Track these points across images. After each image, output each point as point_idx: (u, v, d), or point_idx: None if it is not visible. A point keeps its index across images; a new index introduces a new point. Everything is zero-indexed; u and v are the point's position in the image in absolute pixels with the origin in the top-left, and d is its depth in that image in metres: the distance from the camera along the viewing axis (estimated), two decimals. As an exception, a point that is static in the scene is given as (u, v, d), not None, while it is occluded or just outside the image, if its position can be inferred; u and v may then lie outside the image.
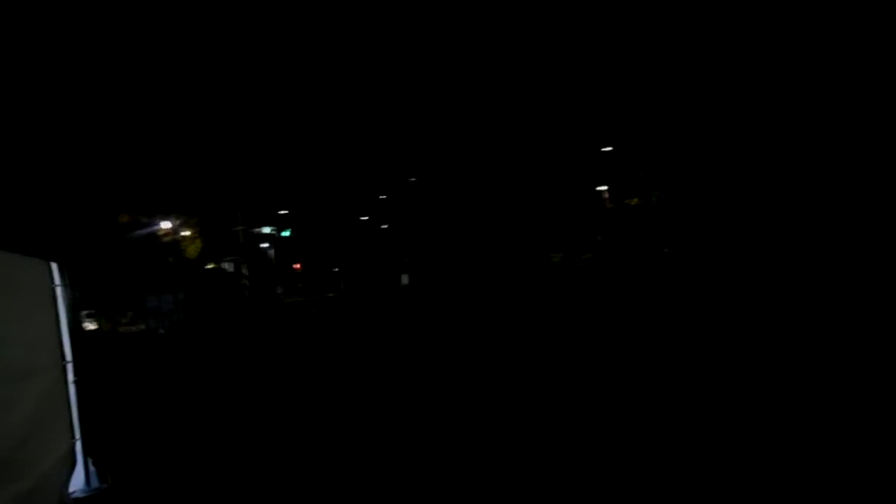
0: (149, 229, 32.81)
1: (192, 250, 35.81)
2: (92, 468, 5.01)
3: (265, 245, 43.15)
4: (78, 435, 4.97)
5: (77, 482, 4.98)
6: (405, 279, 46.69)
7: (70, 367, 5.00)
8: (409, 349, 13.72)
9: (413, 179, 55.95)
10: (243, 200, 38.74)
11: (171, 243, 34.77)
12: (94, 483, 4.99)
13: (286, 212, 43.24)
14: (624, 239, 38.06)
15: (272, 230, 41.36)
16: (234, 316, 28.19)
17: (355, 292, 44.62)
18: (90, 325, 29.43)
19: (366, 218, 54.24)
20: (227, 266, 38.31)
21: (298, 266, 48.29)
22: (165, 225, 34.03)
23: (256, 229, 40.58)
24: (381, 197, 58.16)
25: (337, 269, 51.64)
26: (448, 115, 48.06)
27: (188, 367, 15.39)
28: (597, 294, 22.09)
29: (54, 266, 5.01)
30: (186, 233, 39.72)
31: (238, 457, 6.48)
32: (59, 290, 5.02)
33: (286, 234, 42.41)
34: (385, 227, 56.49)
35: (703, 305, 15.36)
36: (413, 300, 32.04)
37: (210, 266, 38.43)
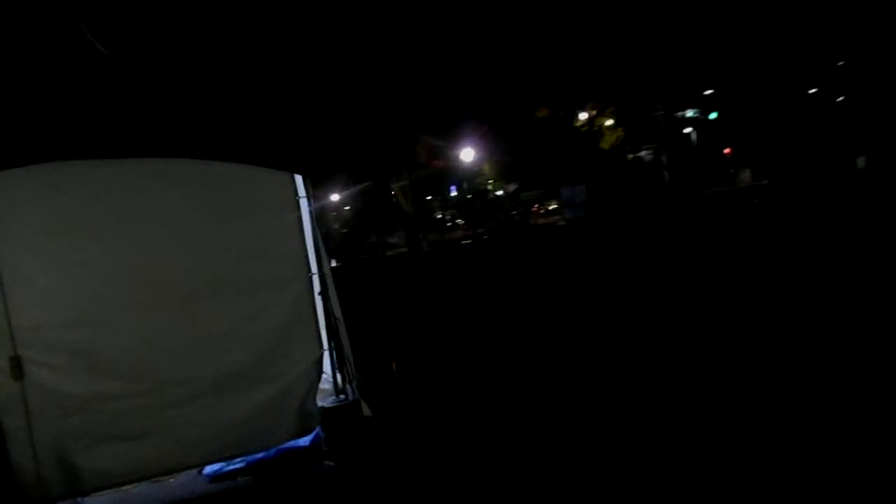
0: (566, 121, 33.51)
1: (608, 140, 35.54)
2: (341, 380, 5.00)
3: (688, 130, 40.25)
4: (326, 346, 4.98)
5: (325, 393, 5.06)
6: (862, 162, 38.57)
7: (315, 279, 4.98)
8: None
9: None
10: (665, 83, 36.43)
11: (587, 133, 35.06)
12: (343, 395, 4.99)
13: (711, 91, 39.23)
14: None
15: (696, 113, 38.14)
16: (647, 207, 27.18)
17: (798, 178, 38.60)
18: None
19: (814, 90, 45.94)
20: (645, 155, 37.03)
21: (728, 151, 43.92)
22: (582, 116, 34.34)
23: (679, 113, 37.97)
24: (838, 63, 48.48)
25: (774, 153, 45.34)
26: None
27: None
28: None
29: (299, 178, 4.95)
30: (608, 122, 39.57)
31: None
32: (303, 203, 4.97)
33: (713, 116, 38.70)
34: (841, 99, 47.14)
35: None
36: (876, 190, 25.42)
37: (629, 156, 37.75)
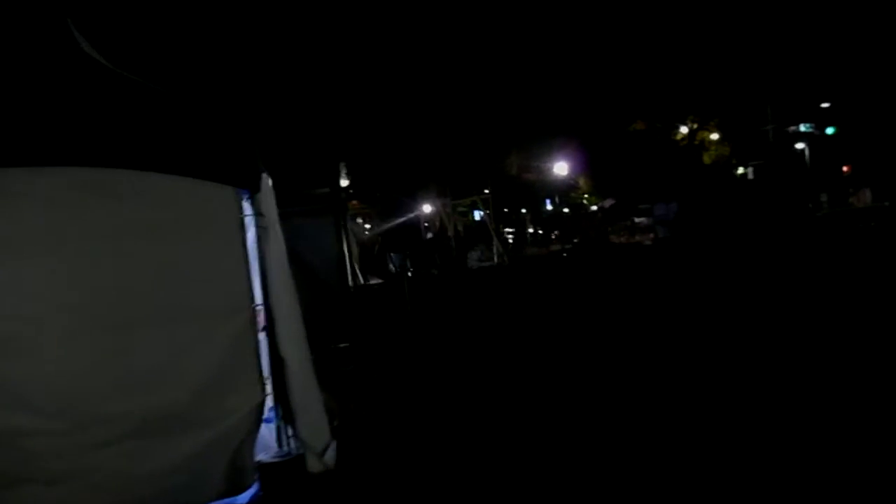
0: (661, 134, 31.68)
1: (711, 155, 33.20)
2: (284, 430, 4.30)
3: (800, 146, 36.98)
4: (269, 391, 4.30)
5: (266, 445, 4.37)
6: None
7: (261, 313, 4.31)
8: None
9: None
10: (775, 94, 33.71)
11: (687, 147, 32.91)
12: (286, 448, 4.29)
13: (828, 105, 35.83)
14: None
15: (810, 127, 34.97)
16: (741, 229, 24.90)
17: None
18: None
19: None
20: (748, 172, 34.29)
21: (847, 168, 39.95)
22: (683, 129, 32.32)
23: (791, 128, 35.02)
24: None
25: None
26: None
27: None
28: None
29: (244, 193, 4.31)
30: (713, 135, 37.19)
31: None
32: (248, 222, 4.32)
33: (830, 131, 35.36)
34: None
35: None
36: None
37: (737, 171, 35.14)
